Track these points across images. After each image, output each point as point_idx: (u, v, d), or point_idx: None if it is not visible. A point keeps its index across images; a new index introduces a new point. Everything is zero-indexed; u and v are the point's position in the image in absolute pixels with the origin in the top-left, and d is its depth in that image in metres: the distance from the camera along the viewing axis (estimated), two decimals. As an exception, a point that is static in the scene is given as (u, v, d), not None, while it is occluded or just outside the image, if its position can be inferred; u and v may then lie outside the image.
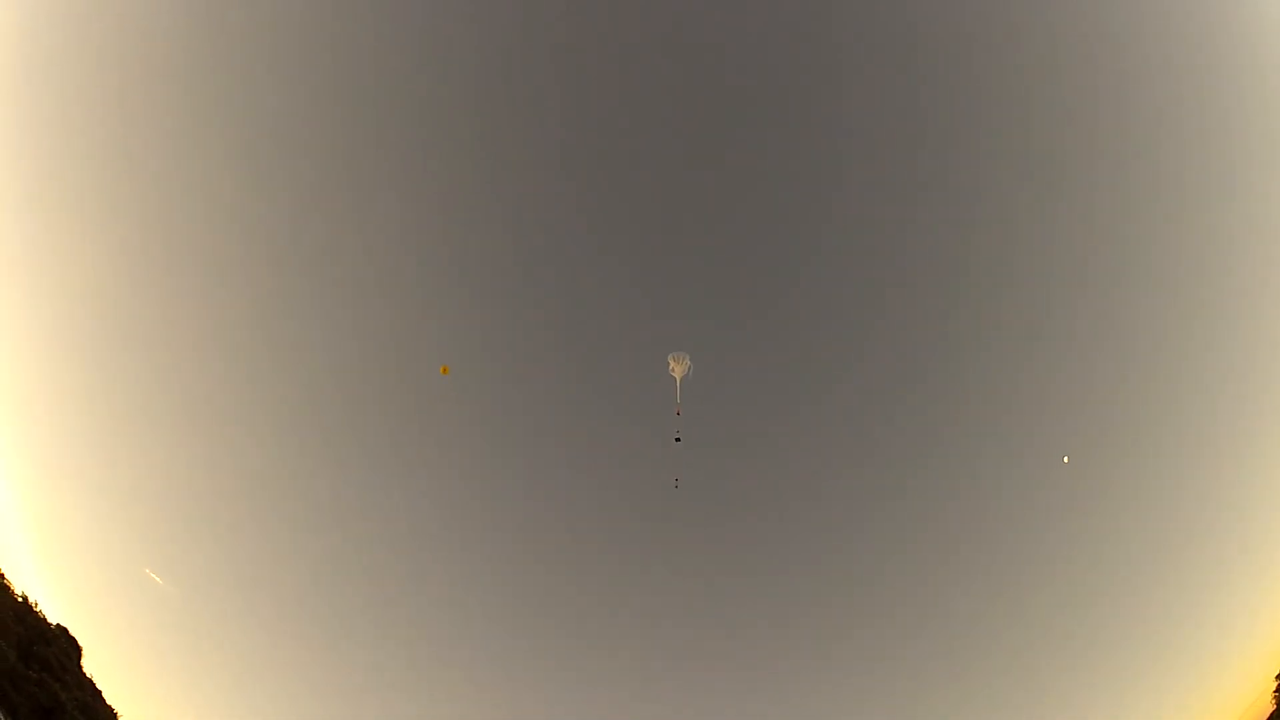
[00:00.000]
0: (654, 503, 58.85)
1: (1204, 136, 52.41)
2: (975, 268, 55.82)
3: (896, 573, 59.23)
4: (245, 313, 55.02)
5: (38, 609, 49.21)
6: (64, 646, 49.24)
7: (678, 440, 38.87)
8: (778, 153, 54.59)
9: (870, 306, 56.84)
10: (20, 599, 48.62)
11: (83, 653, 50.39)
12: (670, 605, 60.66)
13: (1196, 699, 54.87)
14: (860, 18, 52.28)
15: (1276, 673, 54.75)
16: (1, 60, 48.62)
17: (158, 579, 54.85)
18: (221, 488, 56.69)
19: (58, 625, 49.75)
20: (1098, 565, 57.12)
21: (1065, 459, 55.53)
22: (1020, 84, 52.78)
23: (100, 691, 49.93)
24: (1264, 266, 52.76)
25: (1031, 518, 57.78)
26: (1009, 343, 56.71)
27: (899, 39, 52.38)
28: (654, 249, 56.61)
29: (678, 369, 37.43)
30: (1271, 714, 54.00)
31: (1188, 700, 55.02)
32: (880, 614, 59.57)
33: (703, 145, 54.82)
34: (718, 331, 57.46)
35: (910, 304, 56.40)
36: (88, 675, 49.95)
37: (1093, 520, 56.96)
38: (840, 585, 59.62)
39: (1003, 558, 58.31)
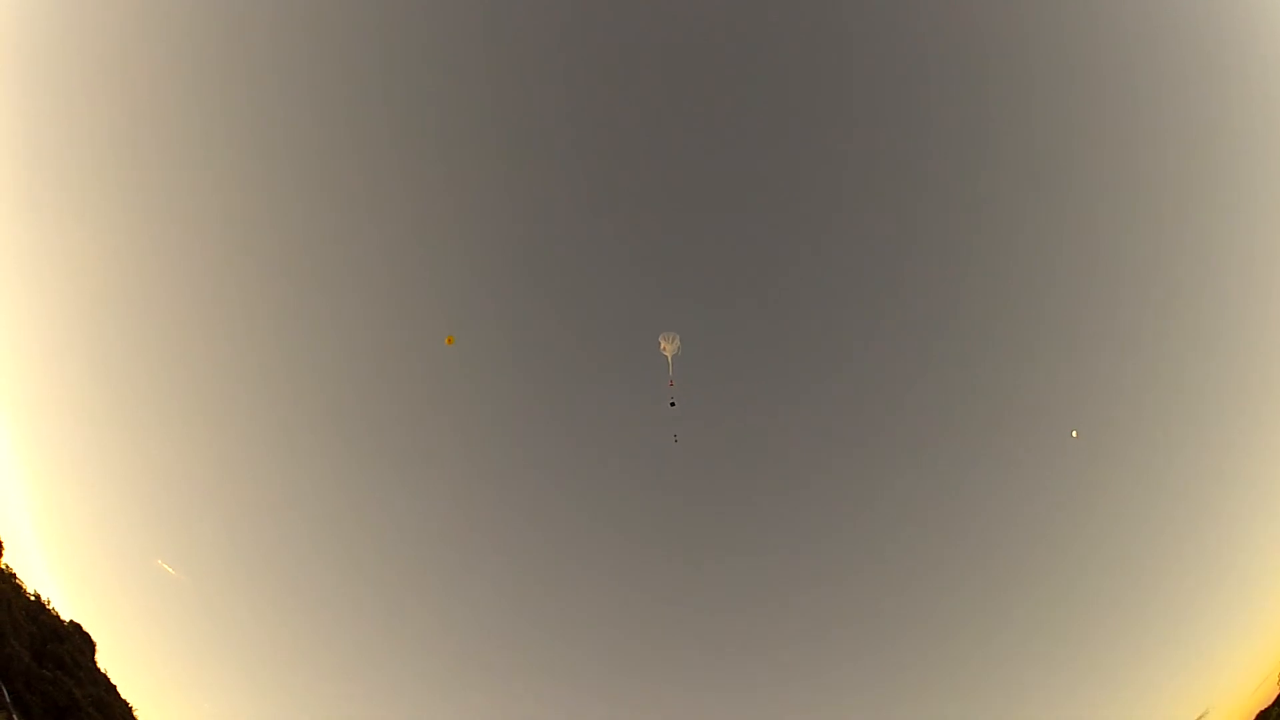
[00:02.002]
0: (652, 499, 59.27)
1: (1207, 134, 51.59)
2: (977, 262, 55.59)
3: (897, 568, 59.46)
4: (253, 308, 55.45)
5: (50, 607, 49.74)
6: (78, 643, 49.74)
7: (672, 405, 41.08)
8: (777, 144, 54.40)
9: (869, 298, 57.04)
10: (33, 598, 49.21)
11: (96, 648, 50.96)
12: (669, 601, 61.08)
13: (1202, 685, 54.41)
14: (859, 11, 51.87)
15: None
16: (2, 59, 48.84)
17: (170, 570, 55.44)
18: (233, 480, 57.43)
19: (71, 622, 50.27)
20: (1105, 547, 56.95)
21: (1074, 433, 55.49)
22: (1020, 77, 52.28)
23: (115, 686, 50.33)
24: (1267, 264, 52.03)
25: (1040, 500, 57.90)
26: (1011, 334, 56.57)
27: (897, 30, 51.90)
28: (652, 240, 56.74)
29: (668, 348, 38.70)
30: (1278, 698, 53.31)
31: (1192, 691, 54.64)
32: (882, 611, 59.78)
33: (701, 138, 54.93)
34: (716, 323, 57.56)
35: (909, 297, 56.48)
36: (102, 671, 50.42)
37: (1101, 503, 56.94)
38: (841, 582, 59.93)
39: (1006, 542, 58.22)
